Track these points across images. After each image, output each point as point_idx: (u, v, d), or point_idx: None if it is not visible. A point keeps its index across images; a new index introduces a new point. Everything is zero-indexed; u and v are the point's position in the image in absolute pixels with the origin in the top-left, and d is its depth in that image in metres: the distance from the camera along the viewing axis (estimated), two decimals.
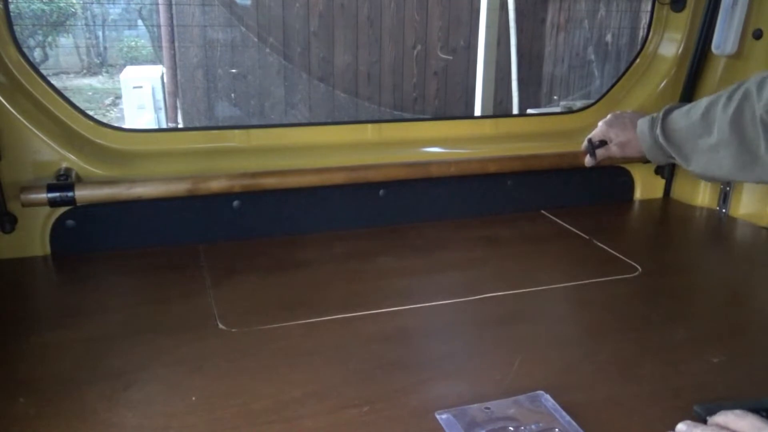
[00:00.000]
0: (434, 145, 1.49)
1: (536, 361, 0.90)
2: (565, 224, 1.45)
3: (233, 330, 0.97)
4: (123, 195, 1.18)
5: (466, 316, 1.06)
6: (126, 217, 1.25)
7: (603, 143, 1.41)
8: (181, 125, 5.28)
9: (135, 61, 6.83)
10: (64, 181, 1.15)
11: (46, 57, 6.85)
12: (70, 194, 1.14)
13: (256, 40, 5.12)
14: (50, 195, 1.13)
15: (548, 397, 0.80)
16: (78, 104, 1.26)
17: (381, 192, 1.40)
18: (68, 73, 7.06)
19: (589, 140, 1.42)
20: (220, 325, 0.98)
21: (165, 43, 5.22)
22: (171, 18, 5.14)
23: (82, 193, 1.16)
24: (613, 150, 1.39)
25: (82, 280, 1.15)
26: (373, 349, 0.93)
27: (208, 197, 1.25)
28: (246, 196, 1.30)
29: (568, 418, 0.76)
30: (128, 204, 1.22)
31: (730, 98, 1.14)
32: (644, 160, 1.42)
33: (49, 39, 6.91)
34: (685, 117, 1.22)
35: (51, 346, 0.92)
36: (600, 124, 1.41)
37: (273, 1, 5.08)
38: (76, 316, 1.01)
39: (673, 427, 0.73)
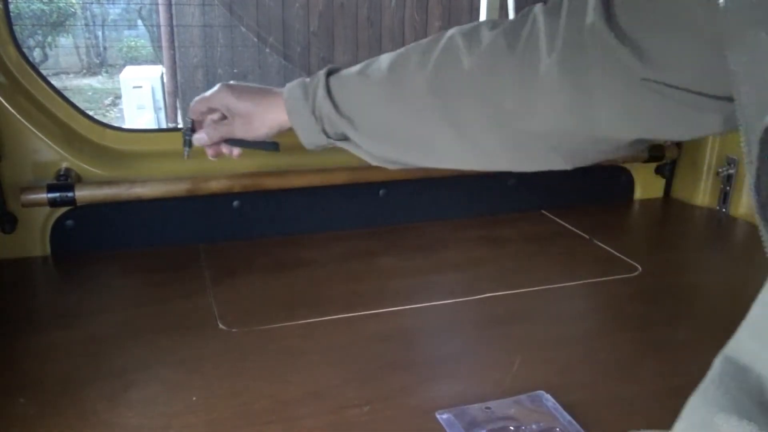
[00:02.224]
0: None
1: (536, 361, 0.90)
2: (565, 224, 1.45)
3: (233, 330, 0.97)
4: (123, 195, 1.18)
5: (466, 316, 1.06)
6: (126, 217, 1.25)
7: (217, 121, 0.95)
8: (181, 125, 5.28)
9: (135, 61, 6.83)
10: (64, 181, 1.15)
11: (46, 57, 6.85)
12: (70, 194, 1.14)
13: (256, 40, 5.12)
14: (50, 195, 1.13)
15: (549, 396, 0.80)
16: (78, 104, 1.26)
17: (381, 192, 1.40)
18: (68, 73, 7.06)
19: (190, 119, 0.97)
20: (221, 325, 0.98)
21: (165, 43, 5.22)
22: (171, 18, 5.14)
23: (82, 193, 1.15)
24: (237, 126, 0.93)
25: (82, 281, 1.15)
26: (373, 349, 0.93)
27: (208, 197, 1.25)
28: (246, 196, 1.30)
29: (568, 417, 0.76)
30: (128, 204, 1.22)
31: (428, 52, 0.79)
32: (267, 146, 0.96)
33: (49, 39, 6.91)
34: (359, 78, 0.86)
35: (51, 346, 0.92)
36: (216, 87, 0.93)
37: (273, 1, 5.08)
38: (76, 316, 1.01)
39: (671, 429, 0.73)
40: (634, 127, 0.72)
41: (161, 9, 5.23)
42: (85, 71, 7.27)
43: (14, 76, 1.17)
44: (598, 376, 0.87)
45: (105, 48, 7.46)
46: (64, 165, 1.19)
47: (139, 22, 7.03)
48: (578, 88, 0.70)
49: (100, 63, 7.38)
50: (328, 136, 0.88)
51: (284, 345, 0.93)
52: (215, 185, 1.23)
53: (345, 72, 0.87)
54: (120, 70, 5.90)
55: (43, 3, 6.44)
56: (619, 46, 0.65)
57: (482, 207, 1.50)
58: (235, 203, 1.30)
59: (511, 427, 0.74)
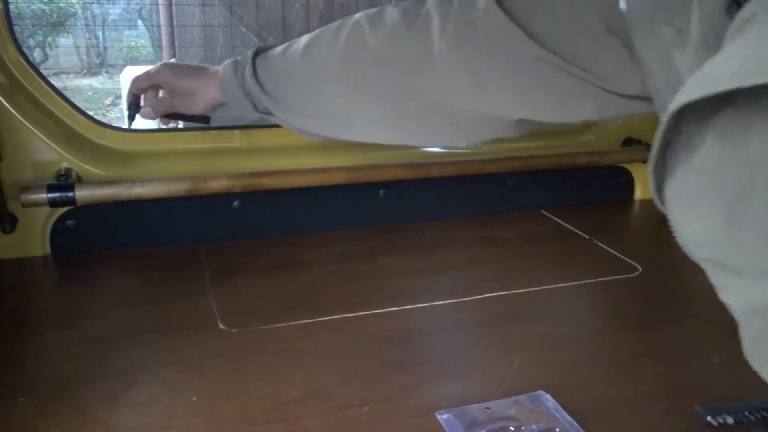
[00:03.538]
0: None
1: (536, 361, 0.90)
2: (565, 224, 1.45)
3: (233, 330, 0.97)
4: (123, 195, 1.18)
5: (466, 316, 1.06)
6: (126, 217, 1.25)
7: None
8: (181, 125, 5.28)
9: (135, 61, 6.83)
10: (65, 181, 1.15)
11: (46, 57, 6.86)
12: (70, 194, 1.14)
13: (256, 40, 5.13)
14: (50, 195, 1.13)
15: (549, 397, 0.80)
16: (78, 104, 1.26)
17: (381, 192, 1.40)
18: (68, 73, 7.06)
19: (133, 95, 1.08)
20: (221, 325, 0.98)
21: (165, 43, 5.23)
22: (171, 18, 5.14)
23: (83, 193, 1.16)
24: (177, 102, 1.06)
25: (82, 280, 1.15)
26: (373, 349, 0.93)
27: (208, 197, 1.25)
28: (246, 196, 1.30)
29: (568, 418, 0.76)
30: (128, 204, 1.22)
31: (338, 32, 0.87)
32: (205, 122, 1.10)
33: (49, 39, 6.92)
34: (281, 57, 0.93)
35: (51, 346, 0.92)
36: (158, 66, 1.05)
37: (273, 1, 5.09)
38: (76, 316, 1.01)
39: (674, 428, 0.73)
40: (522, 106, 0.78)
41: (161, 9, 5.24)
42: (85, 71, 7.27)
43: (14, 76, 1.17)
44: (598, 376, 0.87)
45: (105, 48, 7.47)
46: (64, 165, 1.19)
47: (140, 22, 7.04)
48: (470, 68, 0.76)
49: (100, 63, 7.39)
50: (258, 111, 0.97)
51: (284, 345, 0.93)
52: (215, 185, 1.23)
53: (270, 52, 0.95)
54: (120, 71, 5.90)
55: (43, 3, 6.45)
56: (514, 28, 0.72)
57: (482, 207, 1.50)
58: (235, 203, 1.30)
59: (511, 428, 0.74)
